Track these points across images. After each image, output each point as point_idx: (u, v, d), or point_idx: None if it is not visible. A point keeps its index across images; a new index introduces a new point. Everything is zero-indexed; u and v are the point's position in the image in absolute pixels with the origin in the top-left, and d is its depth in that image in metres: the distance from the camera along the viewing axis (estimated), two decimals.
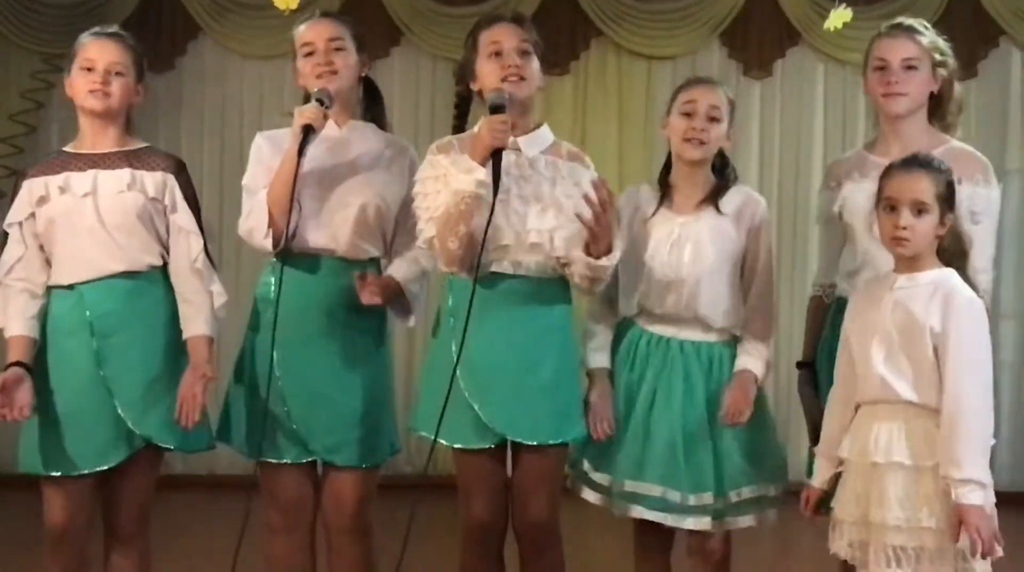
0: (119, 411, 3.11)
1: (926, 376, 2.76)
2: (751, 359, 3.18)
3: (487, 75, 3.08)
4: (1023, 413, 6.60)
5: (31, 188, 3.17)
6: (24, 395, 3.08)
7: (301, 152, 3.01)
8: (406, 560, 3.03)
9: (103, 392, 3.11)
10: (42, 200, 3.15)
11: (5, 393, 3.04)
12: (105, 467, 3.12)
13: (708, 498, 3.09)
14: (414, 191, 3.13)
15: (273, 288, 3.13)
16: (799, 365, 3.42)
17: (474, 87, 3.14)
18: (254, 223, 3.10)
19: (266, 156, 3.18)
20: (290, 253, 3.14)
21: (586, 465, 3.21)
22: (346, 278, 3.15)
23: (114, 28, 3.27)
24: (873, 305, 2.85)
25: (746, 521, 3.16)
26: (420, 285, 3.27)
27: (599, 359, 3.23)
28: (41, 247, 3.18)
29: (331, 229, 3.15)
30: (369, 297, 3.08)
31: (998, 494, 2.80)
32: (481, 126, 3.00)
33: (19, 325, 3.15)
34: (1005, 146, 6.54)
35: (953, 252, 2.86)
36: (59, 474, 3.11)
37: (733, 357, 3.20)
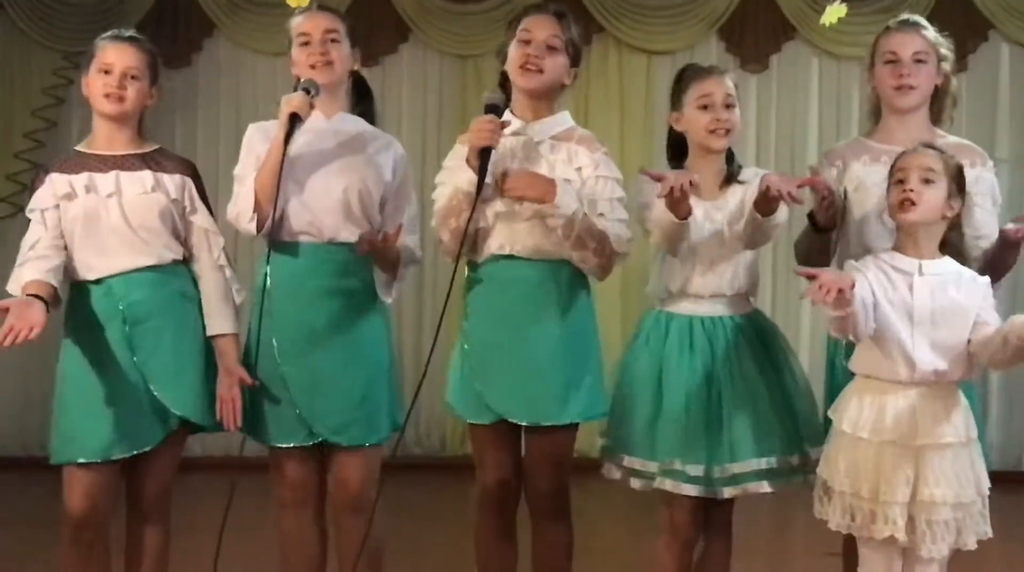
0: (155, 393, 3.12)
1: (961, 356, 2.84)
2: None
3: (510, 59, 3.13)
4: (1010, 395, 6.60)
5: (54, 183, 3.17)
6: (36, 314, 2.93)
7: (287, 140, 3.02)
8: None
9: (137, 377, 3.12)
10: (68, 196, 3.15)
11: (15, 314, 2.91)
12: (143, 449, 3.13)
13: (756, 464, 3.07)
14: (437, 180, 3.21)
15: (267, 278, 3.15)
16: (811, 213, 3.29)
17: (505, 68, 3.18)
18: (240, 208, 3.11)
19: (256, 146, 3.19)
20: (280, 242, 3.15)
21: (625, 459, 3.15)
22: (336, 261, 3.16)
23: (132, 32, 3.28)
24: (897, 287, 2.86)
25: (764, 488, 3.10)
26: (406, 268, 3.24)
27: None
28: (61, 235, 3.16)
29: (317, 214, 3.13)
30: (363, 250, 3.09)
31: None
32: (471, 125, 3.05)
33: (31, 274, 3.07)
34: (994, 138, 6.51)
35: (954, 248, 2.91)
36: (98, 461, 3.09)
37: (772, 328, 3.23)
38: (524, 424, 3.12)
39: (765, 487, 3.08)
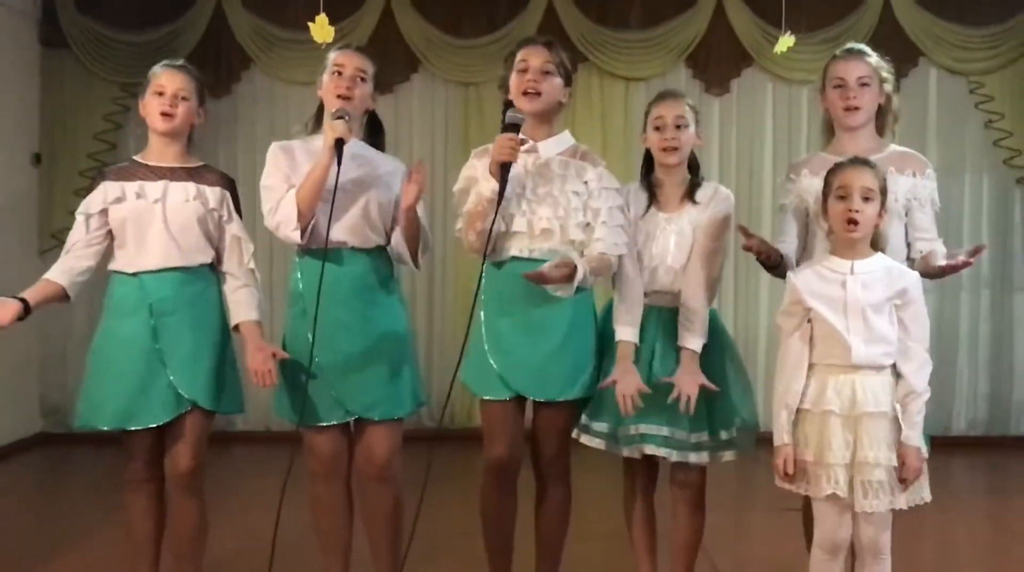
0: (170, 378, 3.15)
1: (891, 343, 2.84)
2: (690, 336, 3.10)
3: (512, 87, 3.17)
4: (937, 368, 6.60)
5: (107, 189, 3.20)
6: (3, 313, 3.02)
7: (339, 163, 3.03)
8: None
9: (157, 362, 3.15)
10: (118, 200, 3.18)
11: None
12: (156, 424, 3.16)
13: (705, 436, 3.11)
14: (455, 188, 3.26)
15: (300, 283, 3.20)
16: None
17: (507, 98, 3.20)
18: (282, 217, 3.11)
19: (282, 162, 3.20)
20: (311, 250, 3.17)
21: (584, 418, 3.19)
22: (360, 264, 3.19)
23: (182, 61, 3.33)
24: (831, 286, 2.87)
25: (729, 456, 3.15)
26: (425, 243, 3.25)
27: (622, 333, 3.13)
28: (109, 234, 3.20)
29: (343, 224, 3.16)
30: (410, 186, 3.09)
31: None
32: (494, 142, 3.06)
33: (52, 272, 3.19)
34: (925, 151, 6.48)
35: (874, 241, 2.93)
36: (121, 429, 3.15)
37: (715, 328, 3.18)
38: (541, 400, 3.13)
39: (660, 451, 3.09)
